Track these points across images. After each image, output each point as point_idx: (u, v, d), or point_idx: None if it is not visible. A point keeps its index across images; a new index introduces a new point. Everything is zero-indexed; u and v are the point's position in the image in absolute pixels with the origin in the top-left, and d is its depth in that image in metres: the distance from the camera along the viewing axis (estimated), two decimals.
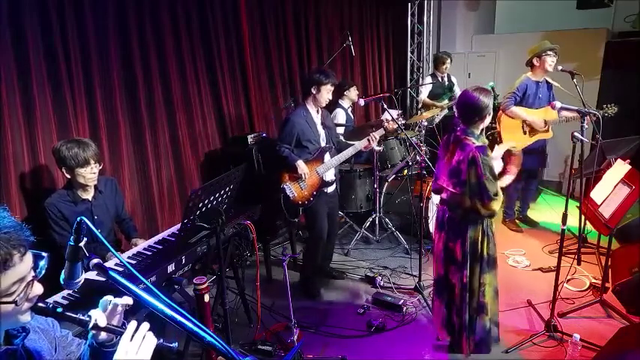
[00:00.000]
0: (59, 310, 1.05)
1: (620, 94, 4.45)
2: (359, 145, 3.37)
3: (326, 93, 3.21)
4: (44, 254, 1.04)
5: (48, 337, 1.19)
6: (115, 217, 2.73)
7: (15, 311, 0.99)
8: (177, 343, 1.08)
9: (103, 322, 1.10)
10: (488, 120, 2.43)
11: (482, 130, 2.47)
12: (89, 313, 1.09)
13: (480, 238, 2.46)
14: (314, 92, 3.21)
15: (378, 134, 3.35)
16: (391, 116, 3.40)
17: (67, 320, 1.08)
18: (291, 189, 3.27)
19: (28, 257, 1.00)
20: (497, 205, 2.32)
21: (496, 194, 2.29)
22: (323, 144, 3.36)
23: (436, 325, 2.83)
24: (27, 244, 0.99)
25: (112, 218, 2.70)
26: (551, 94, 4.08)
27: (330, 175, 3.41)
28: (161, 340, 1.09)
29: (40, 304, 1.04)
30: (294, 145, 3.27)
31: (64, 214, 2.40)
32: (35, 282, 1.02)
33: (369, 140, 3.32)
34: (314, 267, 3.58)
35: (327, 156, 3.38)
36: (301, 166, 3.23)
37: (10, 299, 0.97)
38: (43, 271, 1.04)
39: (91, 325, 1.08)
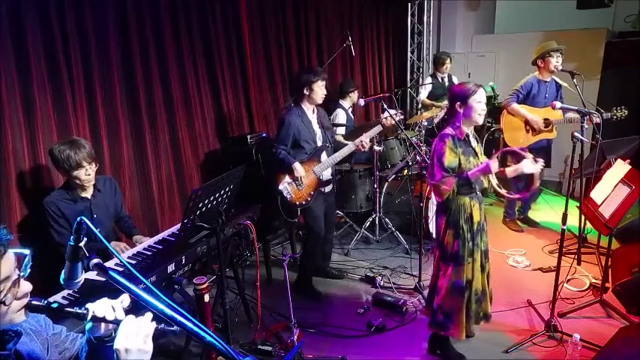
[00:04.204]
0: (55, 305, 1.05)
1: (620, 94, 4.45)
2: (353, 145, 3.36)
3: (319, 89, 3.19)
4: (26, 252, 1.02)
5: (40, 339, 1.18)
6: (114, 216, 2.73)
7: (6, 311, 0.98)
8: (177, 328, 1.07)
9: (100, 313, 1.09)
10: (472, 114, 2.37)
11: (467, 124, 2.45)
12: (86, 306, 1.09)
13: (442, 228, 2.50)
14: (307, 93, 3.19)
15: (367, 137, 3.34)
16: (389, 114, 3.37)
17: (63, 315, 1.07)
18: (288, 190, 3.26)
19: (9, 256, 0.98)
20: (442, 189, 2.36)
21: (440, 180, 2.36)
22: (319, 143, 3.33)
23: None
24: (6, 243, 0.97)
25: (111, 217, 2.70)
26: (559, 95, 4.05)
27: (327, 175, 3.40)
28: (162, 325, 1.08)
29: (35, 302, 1.03)
30: (290, 145, 3.25)
31: (63, 213, 2.41)
32: (22, 280, 1.01)
33: (359, 145, 3.32)
34: (313, 268, 3.57)
35: (323, 155, 3.36)
36: (298, 168, 3.20)
37: None
38: (29, 269, 1.03)
39: (89, 317, 1.07)
